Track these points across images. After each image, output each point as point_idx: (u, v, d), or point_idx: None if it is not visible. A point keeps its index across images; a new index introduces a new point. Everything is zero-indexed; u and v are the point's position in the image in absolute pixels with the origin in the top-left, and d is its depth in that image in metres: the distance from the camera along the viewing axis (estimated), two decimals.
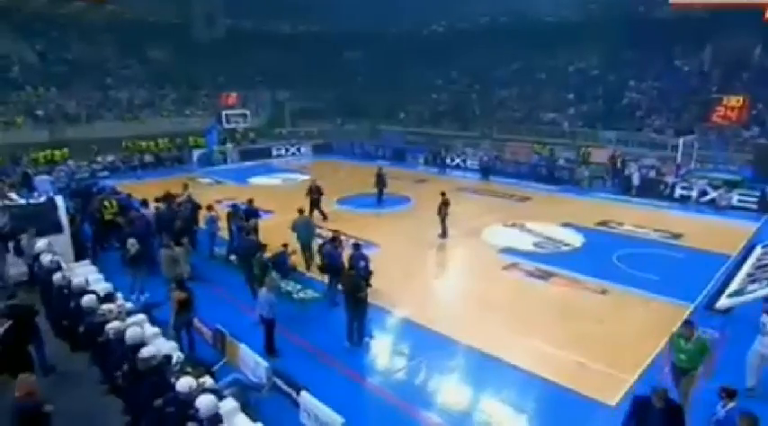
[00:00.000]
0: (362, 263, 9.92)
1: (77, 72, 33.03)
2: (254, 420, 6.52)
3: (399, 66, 40.96)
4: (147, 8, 39.70)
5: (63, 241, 12.18)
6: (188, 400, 5.81)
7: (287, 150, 31.97)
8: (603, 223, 16.68)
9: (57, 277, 8.78)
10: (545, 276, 12.33)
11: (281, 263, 10.73)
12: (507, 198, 20.73)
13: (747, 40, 28.28)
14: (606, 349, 8.91)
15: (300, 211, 13.28)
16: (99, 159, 25.77)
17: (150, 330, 7.89)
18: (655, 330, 9.34)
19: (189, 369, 6.77)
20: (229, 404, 6.51)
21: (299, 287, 11.45)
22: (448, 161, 27.36)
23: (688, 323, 7.13)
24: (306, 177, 22.16)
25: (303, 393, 7.25)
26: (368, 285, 9.37)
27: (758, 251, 13.39)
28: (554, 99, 33.57)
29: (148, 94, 34.43)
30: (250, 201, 13.59)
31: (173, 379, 6.10)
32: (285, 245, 11.28)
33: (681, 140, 21.26)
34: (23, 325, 7.72)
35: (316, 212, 16.43)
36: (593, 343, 9.10)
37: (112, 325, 7.06)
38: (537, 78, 36.42)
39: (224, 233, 13.81)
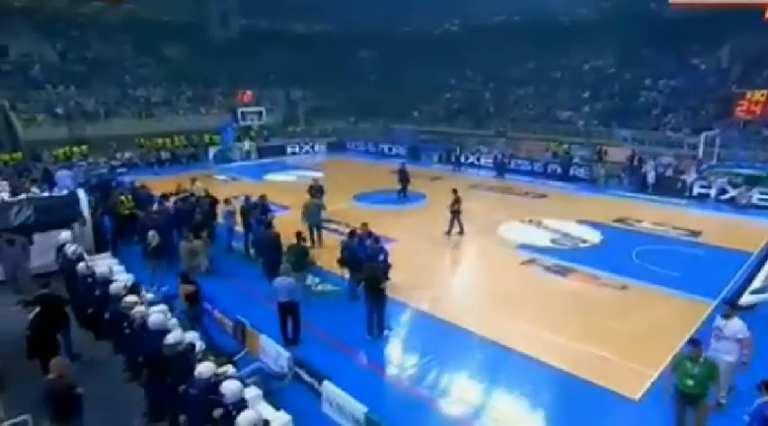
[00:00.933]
0: (381, 257, 9.96)
1: (96, 70, 33.50)
2: (277, 408, 6.59)
3: (413, 65, 40.93)
4: (162, 7, 40.12)
5: (85, 233, 12.39)
6: (213, 385, 5.88)
7: (301, 148, 32.17)
8: (621, 220, 16.55)
9: (81, 266, 8.93)
10: (563, 272, 12.27)
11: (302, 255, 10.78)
12: (523, 195, 20.66)
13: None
14: (628, 344, 8.86)
15: (311, 194, 13.80)
16: (117, 156, 26.11)
17: (172, 320, 7.99)
18: (676, 326, 9.28)
19: (212, 358, 6.85)
20: (252, 392, 6.58)
21: (317, 280, 11.50)
22: (462, 159, 27.28)
23: (694, 343, 6.27)
24: (320, 174, 22.23)
25: (325, 382, 7.29)
26: (386, 278, 9.39)
27: None
28: (569, 97, 33.39)
29: (165, 93, 34.80)
30: (263, 197, 13.68)
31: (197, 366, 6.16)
32: (299, 234, 11.24)
33: (703, 135, 21.04)
34: (51, 313, 7.88)
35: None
36: (615, 338, 9.05)
37: (138, 310, 7.16)
38: (552, 77, 36.25)
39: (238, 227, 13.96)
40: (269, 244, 10.86)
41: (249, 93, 33.28)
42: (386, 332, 9.26)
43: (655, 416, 6.93)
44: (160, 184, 17.66)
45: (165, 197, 14.29)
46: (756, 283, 10.97)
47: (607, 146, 25.98)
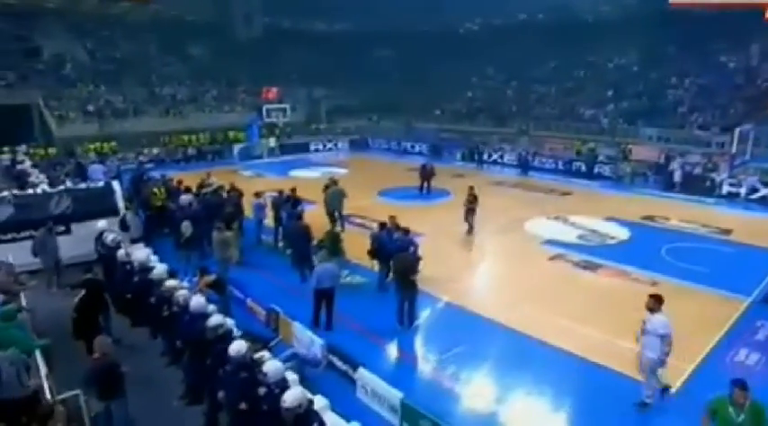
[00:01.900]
0: (411, 249, 10.03)
1: (124, 69, 34.28)
2: (313, 393, 6.71)
3: (434, 64, 40.92)
4: (187, 7, 40.89)
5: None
6: (252, 366, 6.04)
7: (324, 146, 32.46)
8: (649, 218, 16.42)
9: (120, 253, 9.20)
10: (592, 267, 12.25)
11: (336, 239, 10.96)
12: (547, 192, 20.58)
13: None
14: None
15: (335, 182, 14.39)
16: (145, 151, 26.69)
17: (210, 306, 8.17)
18: (711, 321, 9.27)
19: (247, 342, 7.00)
20: (289, 377, 6.71)
21: (346, 272, 11.61)
22: (485, 157, 27.21)
23: (741, 385, 4.96)
24: (343, 171, 22.45)
25: (361, 369, 7.40)
26: (417, 270, 9.47)
27: None
28: (593, 96, 33.09)
29: (190, 91, 35.39)
30: (293, 190, 13.88)
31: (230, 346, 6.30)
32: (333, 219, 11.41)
33: (736, 130, 20.66)
34: (95, 297, 8.14)
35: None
36: None
37: (181, 293, 7.37)
38: (575, 75, 36.00)
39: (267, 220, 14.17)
40: (300, 235, 11.04)
41: (274, 89, 33.67)
42: (416, 322, 9.35)
43: (692, 408, 6.88)
44: (187, 179, 17.99)
45: (188, 190, 14.61)
46: None
47: (632, 144, 25.74)
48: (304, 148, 31.58)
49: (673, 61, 32.21)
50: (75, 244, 11.81)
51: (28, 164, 18.88)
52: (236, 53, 39.18)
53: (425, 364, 8.36)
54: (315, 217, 13.98)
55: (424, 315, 9.72)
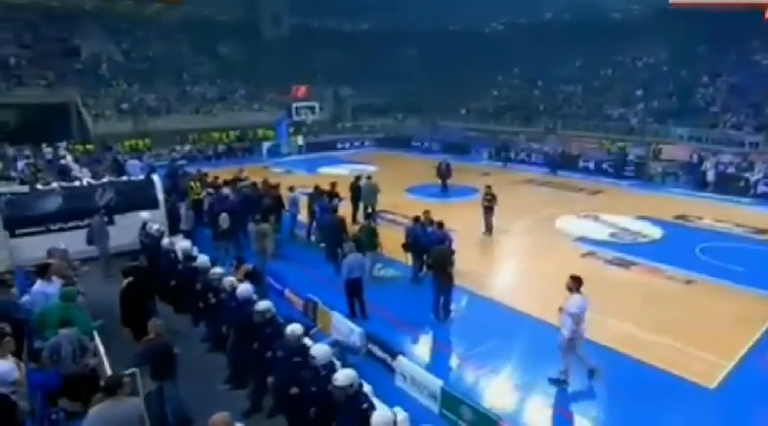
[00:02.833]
0: (446, 242, 10.17)
1: (157, 69, 35.22)
2: None
3: (460, 63, 40.95)
4: (218, 8, 41.68)
5: (160, 216, 13.14)
6: (301, 349, 6.25)
7: (351, 144, 32.81)
8: (681, 217, 16.24)
9: (165, 242, 9.55)
10: (625, 264, 12.22)
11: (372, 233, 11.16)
12: (577, 191, 20.48)
13: None
14: (698, 335, 8.78)
15: (368, 177, 14.70)
16: (177, 148, 27.38)
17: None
18: (748, 320, 9.19)
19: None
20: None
21: (379, 265, 11.82)
22: (512, 155, 27.16)
23: None
24: (372, 168, 22.64)
25: (400, 357, 7.58)
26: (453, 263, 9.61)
27: None
28: (621, 95, 32.73)
29: (219, 90, 36.14)
30: (333, 185, 14.16)
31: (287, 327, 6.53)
32: (369, 215, 11.59)
33: None
34: (141, 284, 8.47)
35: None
36: (685, 329, 8.98)
37: (228, 280, 7.65)
38: (603, 74, 35.62)
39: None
40: (334, 228, 11.28)
41: (303, 88, 34.16)
42: (451, 315, 9.49)
43: (734, 404, 6.92)
44: (220, 175, 18.44)
45: (226, 184, 15.01)
46: None
47: (662, 144, 25.41)
48: (331, 146, 32.02)
49: (704, 59, 31.65)
50: (118, 234, 12.18)
51: (70, 158, 19.58)
52: (264, 53, 39.89)
53: (461, 355, 8.49)
54: (344, 214, 14.19)
55: (458, 308, 9.85)
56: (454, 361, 8.33)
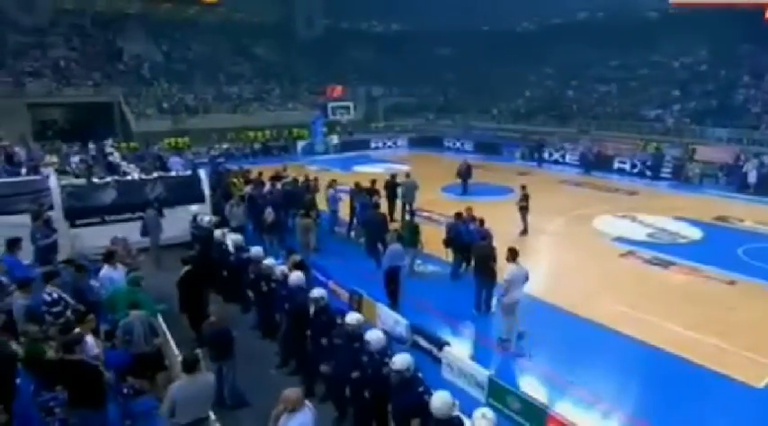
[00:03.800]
0: (487, 239, 10.34)
1: (195, 69, 36.28)
2: None
3: (492, 63, 40.91)
4: (253, 10, 42.60)
5: (206, 210, 13.66)
6: (355, 335, 6.55)
7: (384, 143, 33.19)
8: (722, 218, 16.04)
9: (217, 233, 10.00)
10: (664, 264, 12.18)
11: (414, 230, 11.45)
12: (613, 191, 20.36)
13: None
14: (743, 334, 8.75)
15: (407, 175, 15.05)
16: (216, 146, 28.20)
17: None
18: None
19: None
20: None
21: (419, 261, 12.06)
22: (546, 156, 27.06)
23: None
24: (406, 167, 22.87)
25: (447, 348, 7.81)
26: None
27: None
28: (657, 95, 32.16)
29: (255, 89, 36.98)
30: (373, 183, 14.51)
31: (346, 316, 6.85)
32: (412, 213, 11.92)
33: None
34: (200, 272, 8.92)
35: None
36: (728, 328, 8.97)
37: (280, 269, 8.03)
38: (638, 74, 35.06)
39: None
40: (377, 223, 11.60)
41: (339, 88, 34.68)
42: (493, 309, 9.67)
43: None
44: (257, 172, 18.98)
45: (271, 180, 15.49)
46: None
47: (700, 145, 24.94)
48: (364, 145, 32.42)
49: (745, 59, 30.83)
50: (167, 226, 12.71)
51: (117, 155, 20.42)
52: (298, 53, 40.63)
53: (504, 348, 8.66)
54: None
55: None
56: (497, 353, 8.52)
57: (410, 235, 10.82)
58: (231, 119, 32.86)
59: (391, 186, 15.42)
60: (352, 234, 14.03)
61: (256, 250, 9.00)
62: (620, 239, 14.01)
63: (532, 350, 8.39)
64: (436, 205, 16.97)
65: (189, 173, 14.74)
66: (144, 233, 11.86)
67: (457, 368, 7.59)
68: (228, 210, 12.91)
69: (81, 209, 12.18)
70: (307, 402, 4.88)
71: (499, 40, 42.88)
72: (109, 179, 13.47)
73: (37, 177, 13.24)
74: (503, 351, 8.41)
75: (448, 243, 11.07)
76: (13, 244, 8.06)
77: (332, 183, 14.84)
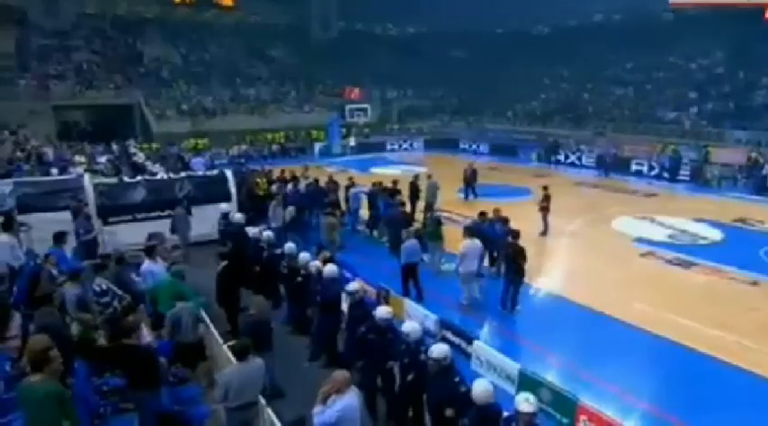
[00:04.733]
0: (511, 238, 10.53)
1: (213, 71, 36.79)
2: None
3: (507, 66, 41.01)
4: (269, 13, 43.14)
5: (232, 208, 13.96)
6: (389, 327, 6.79)
7: (400, 145, 33.42)
8: (742, 220, 16.04)
9: (254, 231, 10.29)
10: (686, 265, 12.27)
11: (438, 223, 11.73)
12: (630, 193, 20.41)
13: None
14: (767, 333, 8.83)
15: (429, 176, 15.40)
16: (235, 148, 28.64)
17: None
18: None
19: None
20: None
21: (443, 259, 12.23)
22: (561, 158, 27.14)
23: None
24: (423, 169, 23.12)
25: (476, 342, 8.01)
26: None
27: None
28: (674, 97, 32.08)
29: (272, 91, 37.44)
30: (395, 183, 14.75)
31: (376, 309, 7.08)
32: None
33: None
34: (236, 268, 9.20)
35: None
36: (752, 327, 9.05)
37: (314, 263, 8.30)
38: (655, 76, 34.98)
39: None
40: (401, 221, 11.82)
41: (357, 90, 35.01)
42: (518, 307, 9.86)
43: None
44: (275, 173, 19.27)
45: (293, 180, 15.81)
46: None
47: (718, 147, 24.88)
48: (380, 147, 32.70)
49: (763, 60, 30.64)
50: (196, 224, 13.07)
51: (141, 155, 20.87)
52: (313, 56, 41.03)
53: (528, 343, 8.87)
54: None
55: (525, 300, 10.21)
56: (524, 348, 8.72)
57: (435, 229, 11.09)
58: (248, 121, 33.33)
59: (415, 187, 15.65)
60: (375, 233, 14.28)
61: (290, 246, 9.25)
62: (640, 240, 14.11)
63: (557, 345, 8.54)
64: (454, 206, 17.21)
65: (216, 172, 15.07)
66: (173, 230, 12.18)
67: (486, 361, 7.78)
68: (272, 211, 13.12)
69: (113, 207, 12.56)
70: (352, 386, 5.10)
71: (514, 43, 43.03)
72: (139, 178, 13.86)
73: (71, 176, 13.66)
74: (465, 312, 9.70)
75: None
76: (60, 237, 8.41)
77: (352, 183, 15.11)
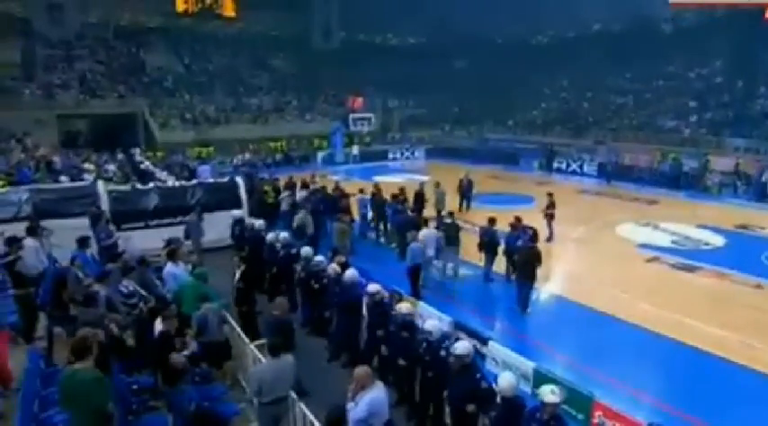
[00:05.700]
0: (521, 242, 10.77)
1: (215, 81, 37.12)
2: None
3: (507, 75, 41.46)
4: (271, 23, 43.59)
5: (243, 215, 14.15)
6: (410, 325, 6.98)
7: (402, 154, 33.67)
8: (743, 226, 16.31)
9: (270, 236, 10.46)
10: (690, 269, 12.49)
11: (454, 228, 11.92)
12: (633, 200, 20.65)
13: None
14: None
15: (437, 184, 15.89)
16: (239, 156, 28.86)
17: None
18: None
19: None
20: None
21: (451, 264, 12.43)
22: (563, 166, 27.44)
23: None
24: (426, 178, 23.38)
25: (491, 343, 8.19)
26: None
27: None
28: (674, 106, 32.53)
29: (274, 101, 37.77)
30: (402, 190, 14.97)
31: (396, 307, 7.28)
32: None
33: None
34: (253, 271, 9.37)
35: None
36: (757, 328, 9.27)
37: (332, 267, 8.48)
38: (654, 85, 35.47)
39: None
40: (411, 225, 12.01)
41: (360, 99, 35.34)
42: (529, 309, 10.06)
43: None
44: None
45: (303, 188, 16.04)
46: None
47: (717, 155, 25.23)
48: (382, 156, 32.96)
49: (762, 69, 31.15)
50: (208, 230, 13.23)
51: (148, 163, 21.05)
52: (315, 65, 41.46)
53: (541, 344, 9.05)
54: None
55: (537, 304, 10.46)
56: (537, 348, 8.89)
57: (453, 233, 11.41)
58: (251, 130, 33.63)
59: (420, 196, 15.75)
60: (382, 239, 14.49)
61: (306, 250, 9.43)
62: (644, 245, 14.33)
63: (568, 346, 8.72)
64: (460, 214, 17.39)
65: (226, 180, 15.28)
66: (187, 236, 12.33)
67: (501, 361, 7.96)
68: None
69: (126, 214, 12.71)
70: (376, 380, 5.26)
71: (514, 52, 43.51)
72: (151, 185, 14.04)
73: (85, 183, 13.84)
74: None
75: (481, 247, 11.48)
76: (84, 242, 8.60)
77: (361, 190, 15.34)
